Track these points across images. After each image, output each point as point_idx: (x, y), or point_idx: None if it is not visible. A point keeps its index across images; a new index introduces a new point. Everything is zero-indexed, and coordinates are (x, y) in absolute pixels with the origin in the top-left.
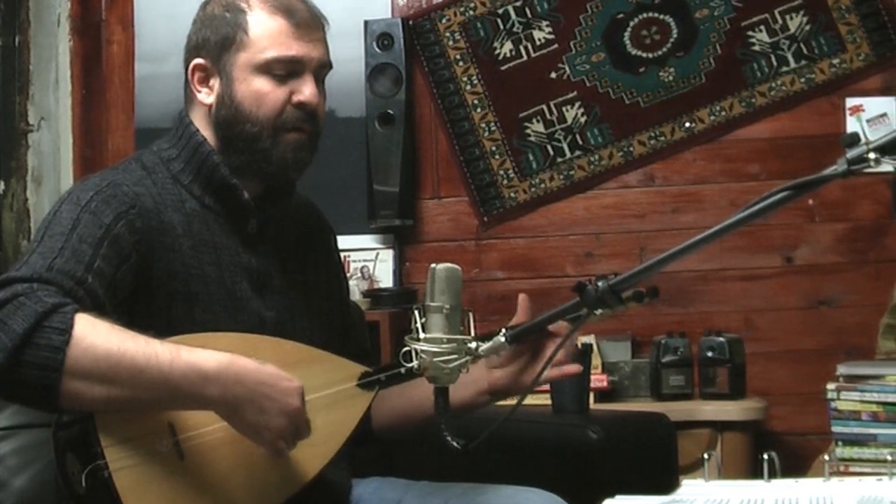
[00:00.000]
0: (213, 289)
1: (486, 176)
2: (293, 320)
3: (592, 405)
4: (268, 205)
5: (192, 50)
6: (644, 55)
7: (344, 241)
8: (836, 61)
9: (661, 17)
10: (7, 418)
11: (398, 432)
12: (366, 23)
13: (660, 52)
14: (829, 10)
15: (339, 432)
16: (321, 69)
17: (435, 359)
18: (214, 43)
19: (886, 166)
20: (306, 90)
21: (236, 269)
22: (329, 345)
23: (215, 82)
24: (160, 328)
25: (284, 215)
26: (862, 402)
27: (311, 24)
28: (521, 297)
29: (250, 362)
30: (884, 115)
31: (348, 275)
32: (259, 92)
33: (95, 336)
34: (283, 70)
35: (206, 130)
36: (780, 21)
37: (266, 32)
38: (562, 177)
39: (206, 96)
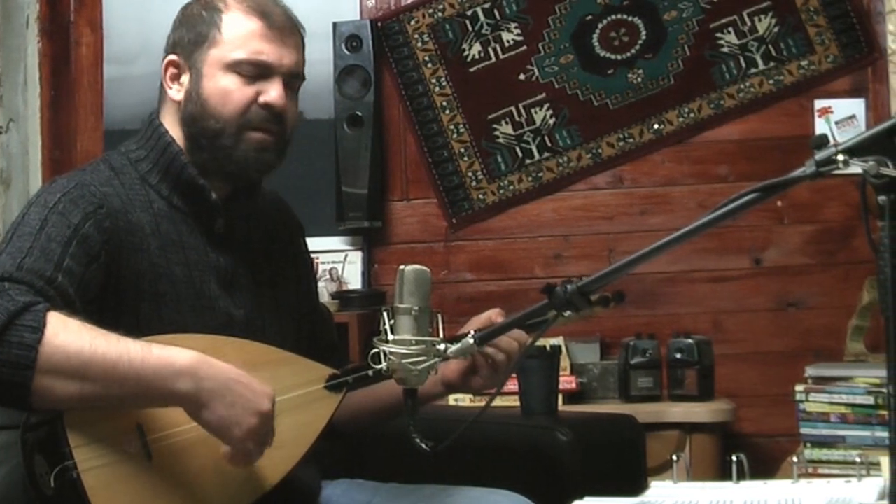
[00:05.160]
0: (181, 288)
1: (455, 178)
2: (262, 317)
3: (561, 407)
4: (235, 204)
5: (167, 48)
6: (612, 57)
7: (312, 243)
8: (804, 63)
9: (630, 18)
10: None
11: (358, 425)
12: (334, 24)
13: (628, 54)
14: (798, 11)
15: (308, 434)
16: (293, 78)
17: (403, 360)
18: (189, 40)
19: (855, 168)
20: (273, 91)
21: (204, 269)
22: (299, 341)
23: (186, 78)
24: (129, 328)
25: (252, 214)
26: (830, 403)
27: (285, 29)
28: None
29: (223, 362)
30: (852, 116)
31: (317, 276)
32: (225, 89)
33: (67, 333)
34: (252, 71)
35: (175, 128)
36: (748, 23)
37: (239, 32)
38: (530, 178)
39: (177, 93)
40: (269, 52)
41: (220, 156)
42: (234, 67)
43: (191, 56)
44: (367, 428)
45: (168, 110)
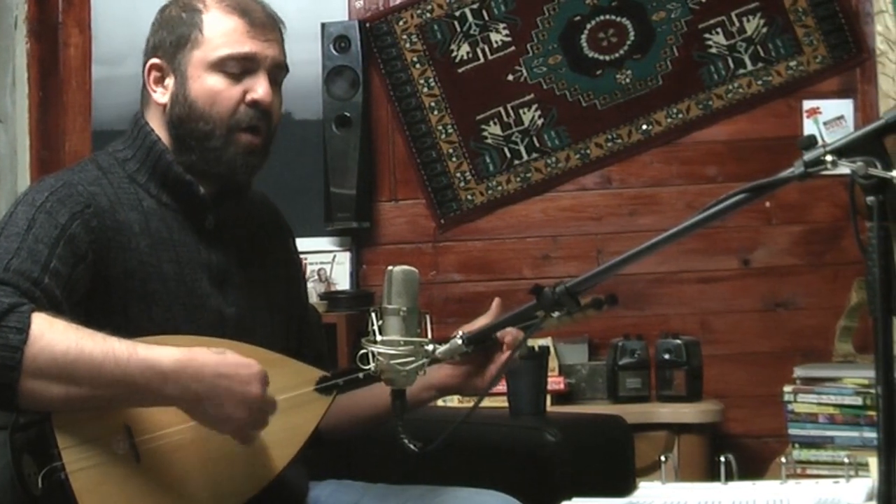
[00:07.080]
0: (172, 287)
1: (443, 178)
2: (253, 316)
3: (549, 407)
4: (224, 201)
5: (149, 51)
6: (601, 58)
7: (301, 244)
8: (793, 64)
9: (618, 19)
10: None
11: (343, 432)
12: (323, 25)
13: (617, 55)
14: (787, 12)
15: (297, 436)
16: (276, 70)
17: (392, 361)
18: (170, 43)
19: (843, 169)
20: (260, 88)
21: (196, 266)
22: (288, 342)
23: (170, 81)
24: (118, 328)
25: (242, 212)
26: (819, 404)
27: (266, 24)
28: (496, 301)
29: (208, 355)
30: (840, 117)
31: (305, 277)
32: (212, 90)
33: (53, 334)
34: (237, 68)
35: (160, 130)
36: (737, 23)
37: (220, 30)
38: (519, 179)
39: (161, 95)
40: (251, 45)
41: (208, 157)
42: (219, 66)
43: (174, 58)
44: (352, 435)
45: (153, 112)
